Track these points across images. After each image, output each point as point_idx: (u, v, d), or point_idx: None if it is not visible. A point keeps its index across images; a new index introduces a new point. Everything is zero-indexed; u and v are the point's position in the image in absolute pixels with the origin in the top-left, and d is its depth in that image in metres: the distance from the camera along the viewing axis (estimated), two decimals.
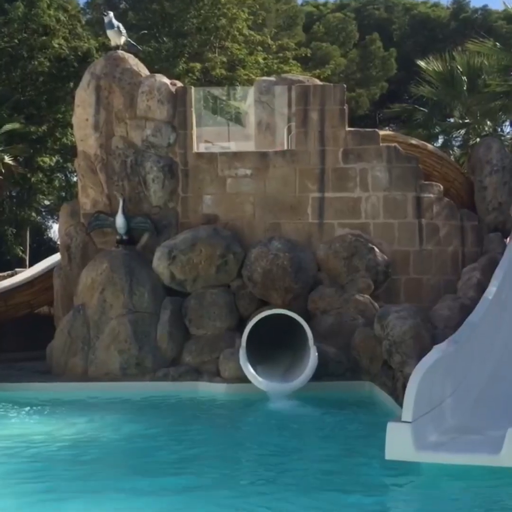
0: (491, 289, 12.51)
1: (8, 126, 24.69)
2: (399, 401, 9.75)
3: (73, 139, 20.51)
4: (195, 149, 15.98)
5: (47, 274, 18.21)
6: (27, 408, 12.03)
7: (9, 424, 11.04)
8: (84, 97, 16.08)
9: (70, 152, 26.49)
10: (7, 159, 24.39)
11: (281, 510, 6.84)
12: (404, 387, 9.12)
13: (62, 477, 8.04)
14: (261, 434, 10.39)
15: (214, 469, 8.34)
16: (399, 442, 7.94)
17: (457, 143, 24.66)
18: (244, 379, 12.97)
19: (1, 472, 8.29)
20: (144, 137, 15.76)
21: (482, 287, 13.46)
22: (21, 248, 29.64)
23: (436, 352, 9.27)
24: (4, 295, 18.38)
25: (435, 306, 13.87)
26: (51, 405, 12.23)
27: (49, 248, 31.62)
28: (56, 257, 18.79)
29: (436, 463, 7.89)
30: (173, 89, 15.98)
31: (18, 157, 26.22)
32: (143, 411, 12.02)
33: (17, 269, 21.79)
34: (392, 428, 8.01)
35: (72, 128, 19.46)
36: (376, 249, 15.15)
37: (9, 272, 21.27)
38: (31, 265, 23.38)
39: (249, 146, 17.05)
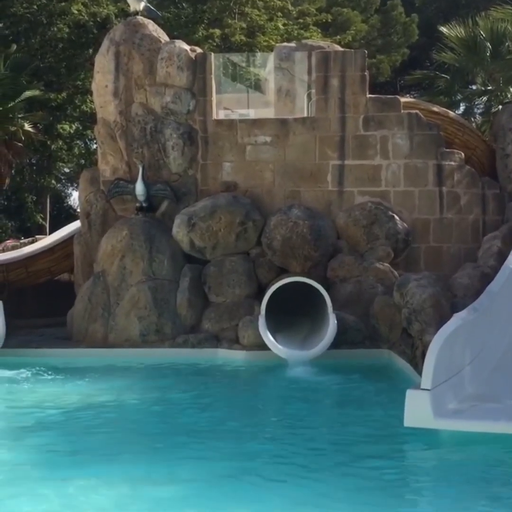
0: None
1: (27, 93, 24.63)
2: (418, 369, 9.75)
3: (93, 106, 20.47)
4: (214, 116, 15.91)
5: (67, 241, 18.29)
6: (48, 374, 12.15)
7: (30, 389, 11.15)
8: (103, 64, 16.02)
9: (89, 119, 26.47)
10: (27, 126, 24.36)
11: (297, 474, 6.89)
12: (423, 355, 9.13)
13: (80, 440, 8.14)
14: (279, 401, 10.45)
15: (231, 434, 8.40)
16: (418, 410, 7.94)
17: (479, 111, 24.37)
18: (263, 347, 13.02)
19: (21, 435, 8.40)
20: (164, 103, 15.70)
21: (502, 255, 13.38)
22: (41, 215, 29.75)
23: (455, 320, 9.24)
24: (25, 262, 18.52)
25: (455, 275, 13.82)
26: (71, 371, 12.34)
27: (69, 215, 31.76)
28: (76, 224, 18.86)
29: (455, 431, 7.90)
30: (192, 55, 15.88)
31: (38, 124, 26.20)
32: (162, 377, 12.10)
33: (37, 236, 21.93)
34: (411, 396, 8.02)
35: (91, 95, 19.43)
36: (396, 217, 15.08)
37: (30, 239, 21.42)
38: (51, 232, 23.48)
39: (269, 113, 16.95)
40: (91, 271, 15.75)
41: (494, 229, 15.21)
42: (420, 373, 8.53)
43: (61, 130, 28.80)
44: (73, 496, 6.18)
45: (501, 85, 20.26)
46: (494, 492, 6.41)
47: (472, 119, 23.46)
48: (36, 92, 25.10)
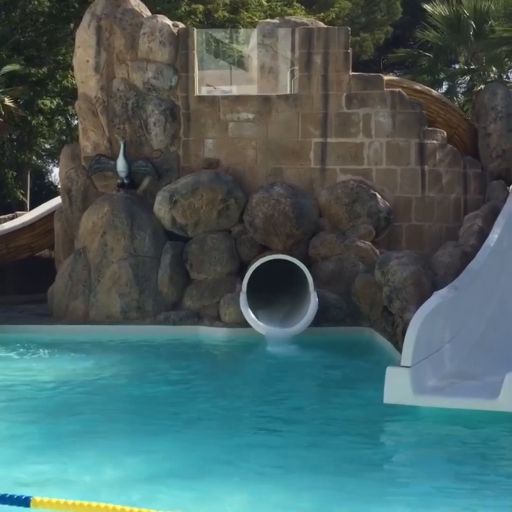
0: (493, 237, 12.51)
1: (8, 67, 24.36)
2: (399, 346, 9.81)
3: (74, 82, 20.29)
4: (197, 93, 15.81)
5: (48, 217, 18.21)
6: (29, 350, 12.11)
7: (11, 365, 11.11)
8: (84, 38, 15.86)
9: (70, 94, 26.18)
10: (7, 101, 24.12)
11: (277, 447, 6.91)
12: (403, 333, 9.17)
13: (61, 417, 8.11)
14: (259, 378, 10.47)
15: (211, 412, 8.41)
16: (397, 386, 7.99)
17: (462, 90, 24.40)
18: (244, 324, 13.04)
19: (2, 412, 8.37)
20: (146, 79, 15.58)
21: (483, 234, 13.44)
22: (22, 191, 29.51)
23: (436, 298, 9.30)
24: (5, 238, 18.41)
25: (436, 253, 13.87)
26: (52, 347, 12.29)
27: (49, 192, 31.50)
28: (57, 201, 18.76)
29: (434, 407, 7.96)
30: (175, 30, 15.75)
31: (18, 100, 25.94)
32: (143, 354, 12.08)
33: (17, 212, 21.75)
34: (391, 373, 8.06)
35: (72, 70, 19.24)
36: (378, 196, 15.10)
37: (10, 215, 21.24)
38: (31, 208, 23.31)
39: (252, 90, 16.86)
40: (72, 247, 15.68)
41: (475, 208, 15.27)
42: (400, 350, 8.58)
43: (42, 106, 28.50)
44: (50, 473, 6.16)
45: (484, 64, 20.25)
46: (473, 468, 6.46)
47: (455, 98, 23.46)
48: (16, 67, 24.83)
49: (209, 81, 17.29)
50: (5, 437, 7.29)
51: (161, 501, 5.20)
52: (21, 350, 12.15)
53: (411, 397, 7.97)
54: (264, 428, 7.70)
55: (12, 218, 20.25)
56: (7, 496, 4.68)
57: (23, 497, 4.61)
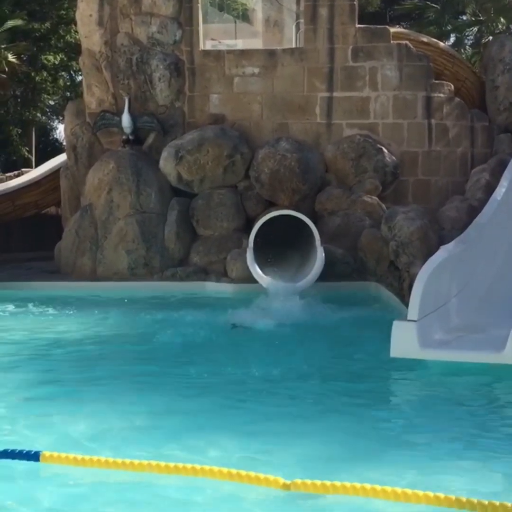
0: (500, 191, 12.46)
1: (10, 23, 24.16)
2: (405, 301, 9.81)
3: (77, 37, 20.08)
4: (201, 47, 15.66)
5: (54, 174, 18.19)
6: (37, 307, 12.18)
7: (19, 321, 11.20)
8: None
9: (74, 50, 25.96)
10: (11, 57, 23.98)
11: (281, 400, 6.97)
12: (410, 287, 9.19)
13: (70, 372, 8.19)
14: (265, 332, 10.48)
15: (219, 367, 8.48)
16: (404, 340, 8.04)
17: (470, 42, 24.13)
18: (251, 280, 13.06)
19: (10, 367, 8.45)
20: (150, 33, 15.42)
21: (490, 188, 13.39)
22: (27, 148, 29.43)
23: (443, 252, 9.30)
24: (11, 195, 18.43)
25: (442, 208, 13.85)
26: (60, 304, 12.35)
27: (55, 149, 31.36)
28: (62, 157, 18.71)
29: (441, 361, 8.00)
30: None
31: (22, 55, 25.79)
32: (151, 310, 12.13)
33: (23, 169, 21.73)
34: (397, 327, 8.10)
35: (76, 25, 19.03)
36: (385, 150, 15.01)
37: (16, 172, 21.23)
38: (37, 166, 23.27)
39: (257, 43, 16.75)
40: (78, 204, 15.68)
41: (482, 162, 15.17)
42: (407, 305, 8.60)
43: (45, 61, 28.32)
44: (59, 428, 6.23)
45: (492, 15, 20.02)
46: (481, 420, 6.50)
47: (462, 50, 23.23)
48: (18, 22, 24.64)
49: (214, 35, 17.14)
50: (14, 392, 7.37)
51: (169, 455, 5.26)
52: (29, 306, 12.22)
53: (418, 351, 8.01)
54: (269, 382, 7.75)
55: (18, 176, 20.25)
56: (17, 451, 4.76)
57: (33, 452, 4.69)
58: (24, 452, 4.76)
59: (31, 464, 4.75)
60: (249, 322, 10.56)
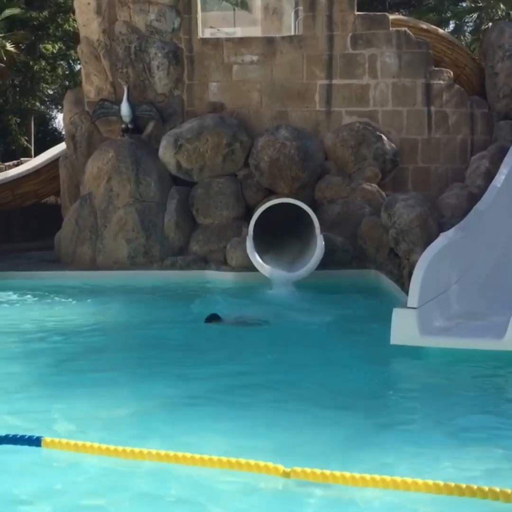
0: (499, 177, 12.45)
1: (7, 11, 24.06)
2: (405, 288, 9.82)
3: (76, 25, 20.00)
4: (200, 35, 15.61)
5: (53, 163, 18.16)
6: (37, 297, 12.18)
7: (20, 311, 11.21)
8: None
9: (73, 39, 25.89)
10: (9, 46, 23.88)
11: (280, 387, 6.99)
12: (410, 274, 9.19)
13: (70, 360, 8.22)
14: (265, 320, 10.48)
15: (219, 349, 8.52)
16: (404, 328, 8.04)
17: (469, 28, 24.05)
18: (251, 268, 13.08)
19: (11, 356, 8.46)
20: (148, 21, 15.36)
21: (490, 175, 13.37)
22: (26, 138, 29.37)
23: (442, 239, 9.30)
24: (11, 185, 18.41)
25: (442, 195, 13.84)
26: (61, 293, 12.37)
27: (54, 138, 31.31)
28: (61, 147, 18.68)
29: (441, 348, 8.01)
30: None
31: (20, 44, 25.67)
32: (151, 299, 12.15)
33: (22, 159, 21.69)
34: (397, 314, 8.11)
35: (74, 13, 18.96)
36: (384, 138, 14.98)
37: (15, 161, 21.19)
38: (36, 155, 23.23)
39: (256, 31, 16.66)
40: (77, 193, 15.66)
41: (482, 149, 15.15)
42: (406, 292, 8.61)
43: (43, 50, 28.20)
44: (60, 414, 6.25)
45: (491, 1, 19.94)
46: (480, 406, 6.53)
47: (462, 37, 23.15)
48: (16, 11, 24.54)
49: (212, 23, 17.07)
50: (15, 378, 7.39)
51: (169, 444, 5.28)
52: (29, 296, 12.23)
53: (418, 338, 8.02)
54: (269, 370, 7.76)
55: (17, 165, 20.21)
56: (19, 436, 4.77)
57: (34, 438, 4.70)
58: (26, 437, 4.77)
59: (32, 449, 4.77)
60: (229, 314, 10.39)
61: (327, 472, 3.90)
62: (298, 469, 4.00)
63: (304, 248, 14.00)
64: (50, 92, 32.85)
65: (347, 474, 3.88)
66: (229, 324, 9.64)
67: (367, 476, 3.88)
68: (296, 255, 14.11)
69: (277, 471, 4.03)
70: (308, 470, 3.97)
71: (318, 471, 3.93)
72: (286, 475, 4.02)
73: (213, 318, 9.70)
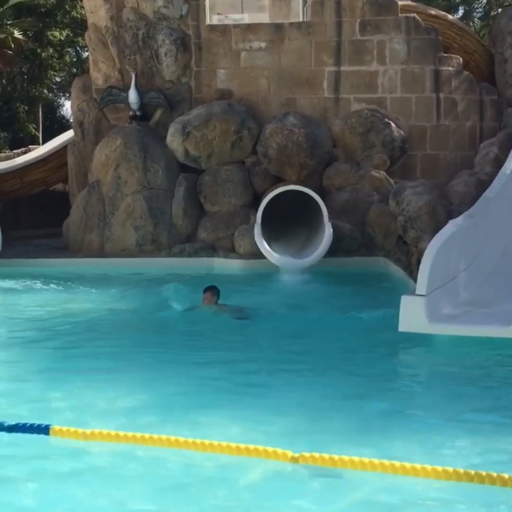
0: (508, 164, 12.39)
1: None
2: (413, 276, 9.81)
3: (83, 12, 19.97)
4: (208, 21, 15.56)
5: (61, 151, 18.18)
6: (45, 284, 12.21)
7: (29, 298, 11.23)
8: None
9: (80, 26, 25.86)
10: (16, 34, 23.86)
11: (289, 374, 6.99)
12: (418, 262, 9.17)
13: (79, 347, 8.23)
14: (274, 307, 10.49)
15: (225, 337, 8.52)
16: (412, 315, 8.02)
17: (479, 14, 23.90)
18: (259, 255, 13.07)
19: (22, 342, 8.50)
20: (156, 8, 15.32)
21: (499, 162, 13.32)
22: (34, 125, 29.39)
23: (451, 227, 9.26)
24: (19, 172, 18.44)
25: (451, 182, 13.81)
26: (69, 280, 12.38)
27: (61, 126, 31.32)
28: (69, 134, 18.69)
29: (449, 335, 7.99)
30: None
31: (27, 32, 25.65)
32: (159, 286, 12.14)
33: (30, 146, 21.71)
34: (406, 301, 8.08)
35: (81, 0, 18.93)
36: (393, 124, 14.93)
37: (23, 149, 21.22)
38: (44, 143, 23.25)
39: (264, 17, 16.59)
40: (85, 181, 15.67)
41: (491, 135, 15.08)
42: (415, 280, 8.58)
43: (51, 37, 28.19)
44: (68, 402, 6.27)
45: None
46: (488, 394, 6.51)
47: (471, 23, 23.01)
48: None
49: (220, 9, 17.00)
50: (23, 366, 7.42)
51: (178, 430, 5.29)
52: (38, 283, 12.26)
53: (426, 325, 8.00)
54: (276, 356, 7.77)
55: (25, 153, 20.24)
56: (27, 425, 4.80)
57: (43, 426, 4.72)
58: (35, 425, 4.80)
59: (41, 438, 4.79)
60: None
61: (336, 457, 3.91)
62: (307, 454, 4.02)
63: (312, 236, 13.99)
64: (58, 79, 32.85)
65: (356, 458, 3.89)
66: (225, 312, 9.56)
67: (376, 461, 3.90)
68: (303, 243, 14.11)
69: (285, 456, 4.05)
70: (317, 455, 3.98)
71: (326, 456, 3.94)
72: (294, 460, 4.04)
73: (213, 289, 9.58)
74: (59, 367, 7.38)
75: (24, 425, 4.85)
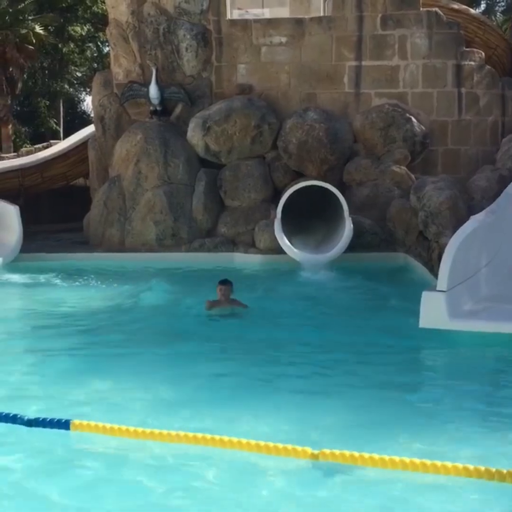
0: None
1: None
2: (434, 271, 9.77)
3: (104, 7, 20.03)
4: (228, 16, 15.54)
5: (82, 146, 18.25)
6: (67, 278, 12.28)
7: (50, 292, 11.29)
8: None
9: (101, 21, 25.97)
10: (38, 29, 23.96)
11: (311, 371, 6.98)
12: (439, 257, 9.13)
13: (100, 342, 8.25)
14: (294, 304, 10.48)
15: (246, 334, 8.51)
16: (433, 311, 7.98)
17: (501, 8, 23.71)
18: (279, 250, 13.07)
19: (41, 335, 8.54)
20: (176, 3, 15.32)
21: None
22: (55, 120, 29.54)
23: (472, 222, 9.20)
24: (40, 167, 18.52)
25: (472, 177, 13.69)
26: (90, 274, 12.45)
27: (82, 121, 31.47)
28: (90, 129, 18.75)
29: (470, 331, 7.95)
30: None
31: (49, 27, 25.76)
32: (180, 281, 12.17)
33: (51, 141, 21.81)
34: (426, 297, 8.05)
35: None
36: (414, 119, 14.85)
37: (44, 144, 21.31)
38: (65, 138, 23.35)
39: (284, 12, 16.55)
40: (106, 175, 15.73)
41: None
42: (436, 275, 8.54)
43: (72, 32, 28.32)
44: (89, 397, 6.29)
45: None
46: (509, 391, 6.48)
47: (493, 17, 22.83)
48: None
49: (241, 4, 16.98)
50: (44, 361, 7.45)
51: (196, 427, 5.29)
52: (59, 277, 12.33)
53: (447, 321, 7.96)
54: (299, 353, 7.76)
55: (46, 148, 20.33)
56: (48, 419, 4.83)
57: (63, 421, 4.75)
58: (55, 420, 4.83)
59: (61, 432, 4.81)
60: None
61: (356, 454, 3.90)
62: (327, 451, 4.01)
63: (332, 231, 13.95)
64: (79, 74, 33.00)
65: (376, 456, 3.88)
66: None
67: (396, 459, 3.88)
68: (324, 238, 14.08)
69: (305, 453, 4.04)
70: (337, 452, 3.98)
71: (347, 453, 3.93)
72: (314, 457, 4.03)
73: (228, 283, 9.50)
74: (76, 361, 7.40)
75: (44, 420, 4.87)
